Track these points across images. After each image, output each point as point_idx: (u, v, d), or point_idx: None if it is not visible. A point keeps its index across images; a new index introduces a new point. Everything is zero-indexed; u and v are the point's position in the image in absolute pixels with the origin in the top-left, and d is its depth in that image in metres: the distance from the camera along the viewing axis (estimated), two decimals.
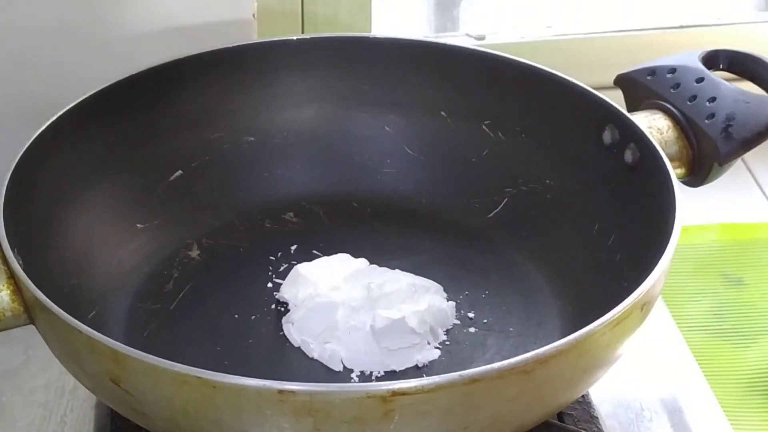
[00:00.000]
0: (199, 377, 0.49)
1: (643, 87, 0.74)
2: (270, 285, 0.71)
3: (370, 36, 0.84)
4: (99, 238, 0.70)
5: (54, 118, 0.67)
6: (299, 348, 0.66)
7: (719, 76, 0.73)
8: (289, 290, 0.69)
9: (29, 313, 0.58)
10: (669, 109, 0.72)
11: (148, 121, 0.74)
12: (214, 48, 0.75)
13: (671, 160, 0.67)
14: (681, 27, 1.01)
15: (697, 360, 0.75)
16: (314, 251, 0.73)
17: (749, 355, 0.79)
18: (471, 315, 0.69)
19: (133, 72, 0.72)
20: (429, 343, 0.66)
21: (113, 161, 0.72)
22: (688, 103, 0.71)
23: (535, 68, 0.74)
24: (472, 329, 0.68)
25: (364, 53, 0.78)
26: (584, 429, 0.65)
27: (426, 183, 0.77)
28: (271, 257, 0.73)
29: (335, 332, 0.65)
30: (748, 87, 0.73)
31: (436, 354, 0.66)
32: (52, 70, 0.80)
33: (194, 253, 0.74)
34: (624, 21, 1.02)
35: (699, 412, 0.70)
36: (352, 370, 0.65)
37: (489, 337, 0.67)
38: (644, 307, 0.56)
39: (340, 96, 0.78)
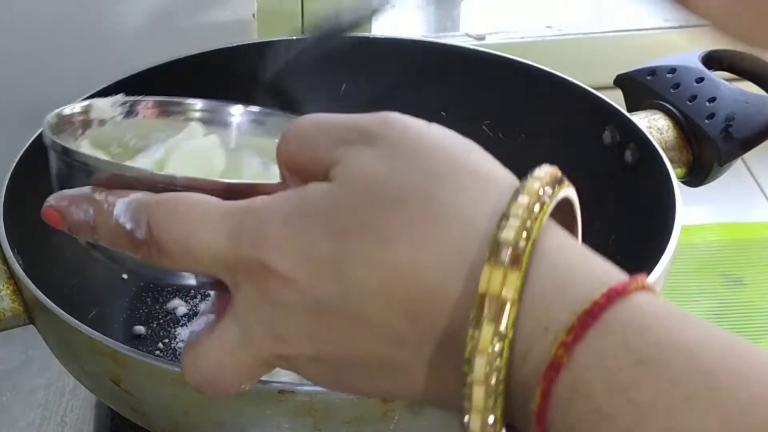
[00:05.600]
0: None
1: (643, 87, 0.74)
2: None
3: (370, 36, 0.84)
4: None
5: None
6: None
7: (719, 76, 0.73)
8: None
9: (29, 313, 0.58)
10: (669, 109, 0.72)
11: None
12: (214, 48, 0.75)
13: (671, 160, 0.67)
14: (681, 27, 1.01)
15: None
16: None
17: None
18: None
19: (133, 72, 0.72)
20: None
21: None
22: (688, 103, 0.71)
23: (535, 68, 0.74)
24: None
25: (364, 53, 0.78)
26: None
27: None
28: None
29: None
30: (748, 87, 0.73)
31: None
32: (52, 70, 0.80)
33: None
34: (624, 21, 1.02)
35: None
36: None
37: None
38: None
39: (340, 96, 0.78)
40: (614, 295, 0.33)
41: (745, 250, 0.89)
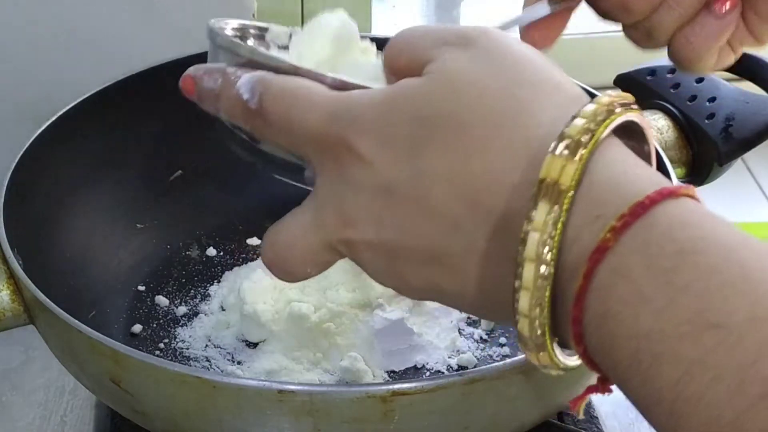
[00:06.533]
0: (199, 377, 0.49)
1: (643, 87, 0.74)
2: None
3: (370, 36, 0.84)
4: (99, 238, 0.70)
5: (54, 118, 0.67)
6: None
7: (719, 76, 0.73)
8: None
9: (29, 313, 0.58)
10: (669, 109, 0.72)
11: (148, 121, 0.74)
12: None
13: (671, 160, 0.66)
14: None
15: None
16: None
17: None
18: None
19: (133, 72, 0.72)
20: (431, 342, 0.66)
21: (113, 161, 0.72)
22: (688, 103, 0.71)
23: None
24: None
25: None
26: (584, 429, 0.65)
27: None
28: None
29: None
30: (748, 87, 0.73)
31: (436, 353, 0.66)
32: (51, 71, 0.80)
33: (194, 253, 0.74)
34: None
35: None
36: None
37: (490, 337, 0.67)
38: None
39: None
40: (666, 193, 0.35)
41: None
